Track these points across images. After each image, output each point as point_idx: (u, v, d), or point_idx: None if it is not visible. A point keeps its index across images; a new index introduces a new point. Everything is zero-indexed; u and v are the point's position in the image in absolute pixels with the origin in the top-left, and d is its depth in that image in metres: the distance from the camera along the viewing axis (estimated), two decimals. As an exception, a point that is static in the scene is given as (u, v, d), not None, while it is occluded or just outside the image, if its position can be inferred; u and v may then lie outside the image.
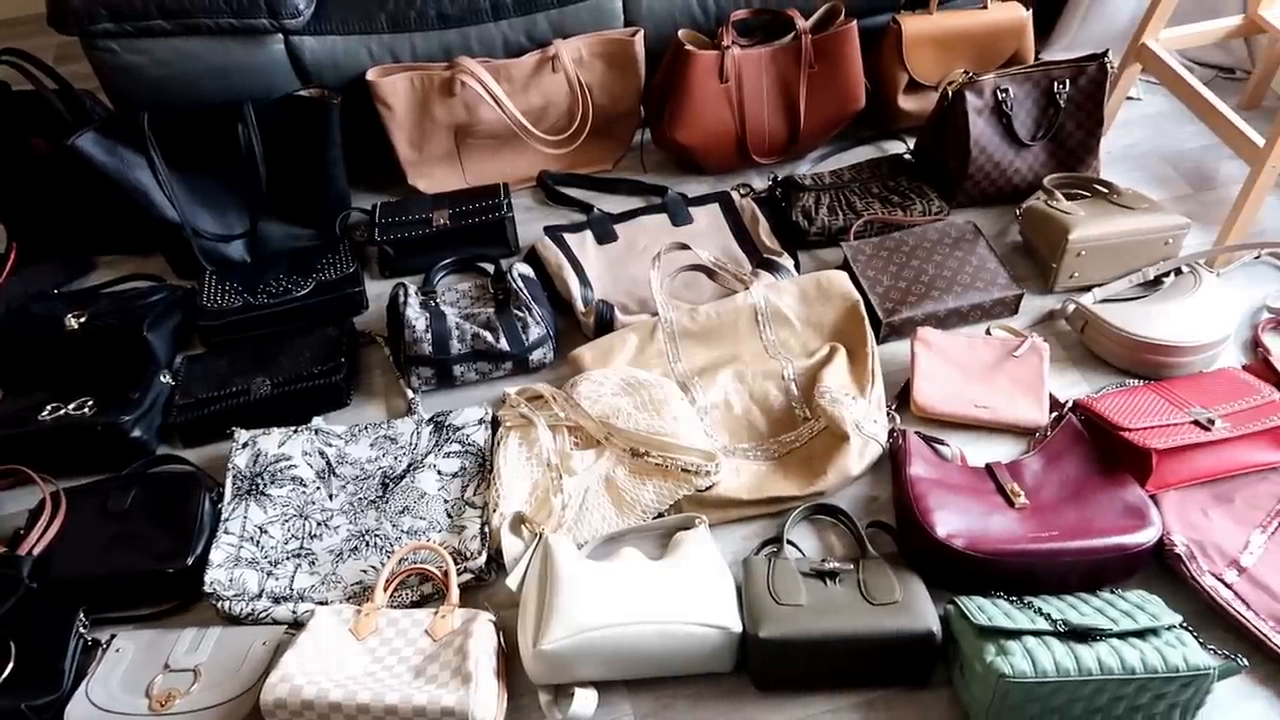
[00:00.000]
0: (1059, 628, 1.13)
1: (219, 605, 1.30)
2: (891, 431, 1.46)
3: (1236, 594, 1.25)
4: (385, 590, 1.29)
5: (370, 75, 1.78)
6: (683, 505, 1.40)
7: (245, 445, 1.47)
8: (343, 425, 1.53)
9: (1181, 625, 1.16)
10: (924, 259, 1.69)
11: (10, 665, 1.22)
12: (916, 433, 1.44)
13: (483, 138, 1.92)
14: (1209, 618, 1.26)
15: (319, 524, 1.41)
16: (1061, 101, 1.80)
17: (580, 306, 1.66)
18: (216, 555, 1.34)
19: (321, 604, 1.31)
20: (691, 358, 1.58)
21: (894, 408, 1.53)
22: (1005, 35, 1.95)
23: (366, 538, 1.38)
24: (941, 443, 1.47)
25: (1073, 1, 2.10)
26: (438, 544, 1.34)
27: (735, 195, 1.88)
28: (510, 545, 1.31)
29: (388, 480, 1.45)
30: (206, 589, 1.30)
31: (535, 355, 1.61)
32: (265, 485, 1.43)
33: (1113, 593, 1.23)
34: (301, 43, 1.76)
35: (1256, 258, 1.75)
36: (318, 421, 1.51)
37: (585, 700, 1.19)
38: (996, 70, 1.80)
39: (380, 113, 1.82)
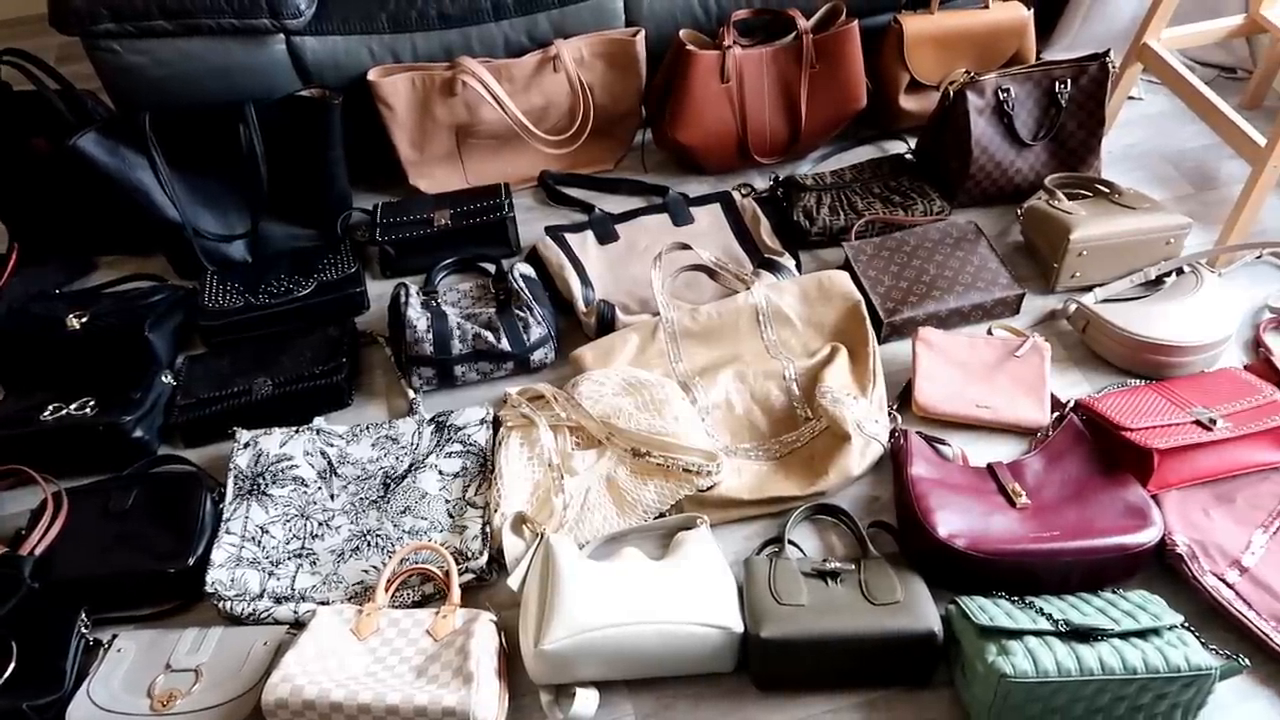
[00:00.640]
0: (1060, 628, 1.13)
1: (220, 605, 1.30)
2: (893, 431, 1.46)
3: (1238, 594, 1.25)
4: (386, 590, 1.29)
5: (371, 75, 1.78)
6: (684, 505, 1.40)
7: (246, 445, 1.47)
8: (344, 425, 1.53)
9: (1183, 625, 1.16)
10: (925, 259, 1.69)
11: (12, 665, 1.22)
12: (918, 433, 1.44)
13: (484, 138, 1.92)
14: (1210, 618, 1.26)
15: (320, 524, 1.41)
16: (1063, 101, 1.80)
17: (581, 306, 1.66)
18: (218, 555, 1.34)
19: (323, 604, 1.31)
20: (693, 358, 1.58)
21: (895, 408, 1.52)
22: (1006, 35, 1.95)
23: (368, 538, 1.38)
24: (943, 443, 1.47)
25: (1074, 1, 2.10)
26: (439, 544, 1.34)
27: (736, 195, 1.88)
28: (511, 545, 1.31)
29: (389, 480, 1.45)
30: (208, 589, 1.30)
31: (536, 355, 1.61)
32: (267, 485, 1.43)
33: (1114, 593, 1.23)
34: (303, 43, 1.76)
35: (1258, 257, 1.75)
36: (319, 421, 1.52)
37: (586, 700, 1.19)
38: (998, 70, 1.80)
39: (381, 113, 1.82)
